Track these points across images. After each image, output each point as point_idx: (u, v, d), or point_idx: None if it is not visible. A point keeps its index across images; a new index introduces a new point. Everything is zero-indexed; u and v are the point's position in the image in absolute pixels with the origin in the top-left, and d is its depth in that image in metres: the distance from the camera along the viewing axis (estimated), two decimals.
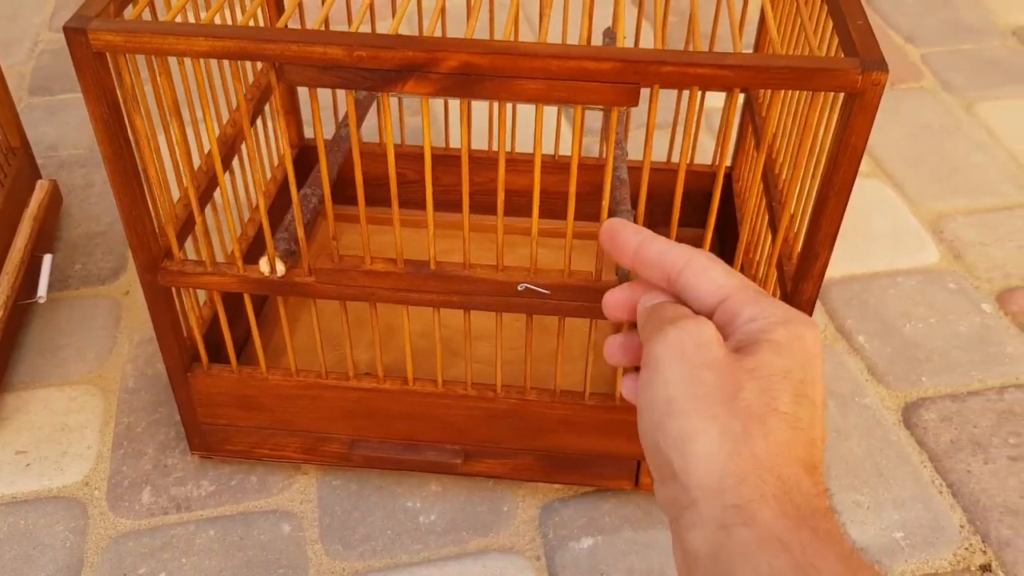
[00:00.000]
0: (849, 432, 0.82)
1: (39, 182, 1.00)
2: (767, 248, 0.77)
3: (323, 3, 0.69)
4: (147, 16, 0.60)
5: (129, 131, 0.59)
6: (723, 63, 0.52)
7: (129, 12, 0.58)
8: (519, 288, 0.65)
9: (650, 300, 0.39)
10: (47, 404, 0.84)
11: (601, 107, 0.72)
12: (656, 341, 0.35)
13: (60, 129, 1.15)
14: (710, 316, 0.36)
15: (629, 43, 1.01)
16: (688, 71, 0.53)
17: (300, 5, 0.60)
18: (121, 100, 0.58)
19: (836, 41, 0.59)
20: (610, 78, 0.53)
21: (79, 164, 1.10)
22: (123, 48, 0.54)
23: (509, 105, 0.91)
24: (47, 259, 0.92)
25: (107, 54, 0.56)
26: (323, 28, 0.56)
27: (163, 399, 0.84)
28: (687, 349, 0.34)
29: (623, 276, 0.67)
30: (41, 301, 0.89)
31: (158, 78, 0.59)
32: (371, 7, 0.62)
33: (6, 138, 0.96)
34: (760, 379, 0.33)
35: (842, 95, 0.54)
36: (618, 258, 0.39)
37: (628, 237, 0.39)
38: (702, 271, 0.37)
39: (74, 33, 0.54)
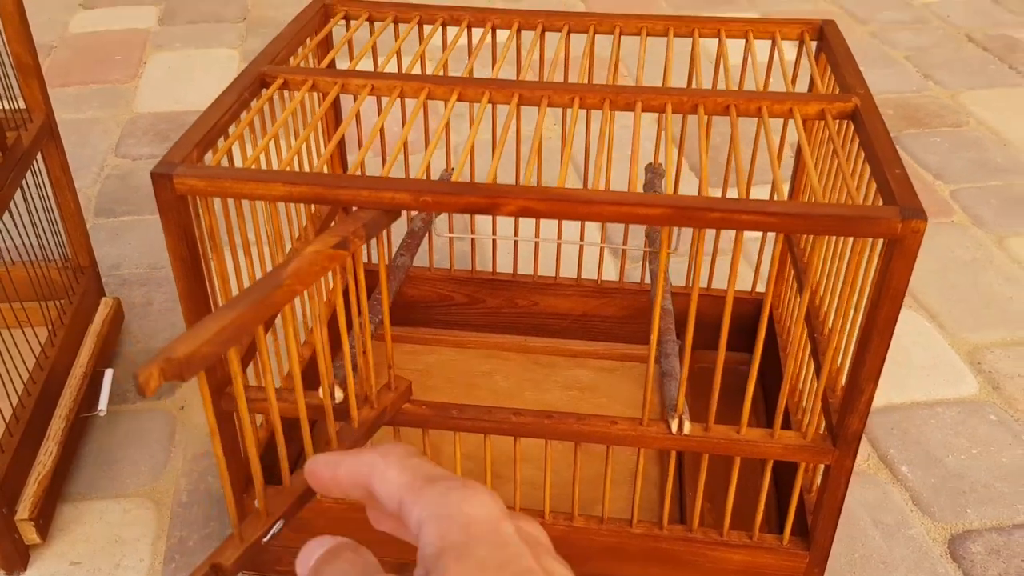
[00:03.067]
0: (896, 564, 0.81)
1: (103, 299, 1.05)
2: (809, 376, 0.79)
3: (383, 157, 0.74)
4: (224, 161, 0.65)
5: (204, 267, 0.63)
6: (768, 210, 0.56)
7: (209, 158, 0.63)
8: None
9: (316, 550, 0.33)
10: (102, 516, 0.86)
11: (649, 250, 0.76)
12: None
13: (122, 249, 1.21)
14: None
15: (667, 174, 1.06)
16: (735, 217, 0.56)
17: (362, 165, 0.65)
18: (199, 239, 0.62)
19: (873, 186, 0.63)
20: (661, 223, 0.57)
21: (140, 283, 1.15)
22: (205, 192, 0.59)
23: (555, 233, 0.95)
24: (108, 374, 0.96)
25: (189, 197, 0.60)
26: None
27: (215, 514, 0.86)
28: None
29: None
30: (101, 414, 0.92)
31: (233, 219, 0.63)
32: (429, 164, 0.66)
33: (76, 258, 1.02)
34: None
35: (882, 240, 0.57)
36: (327, 493, 0.36)
37: (322, 471, 0.35)
38: (381, 478, 0.34)
39: (160, 178, 0.59)
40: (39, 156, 0.93)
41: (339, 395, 0.67)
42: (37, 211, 0.92)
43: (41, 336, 0.91)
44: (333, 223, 0.91)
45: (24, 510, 0.80)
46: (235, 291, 0.67)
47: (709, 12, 1.94)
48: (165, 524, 0.85)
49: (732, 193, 1.14)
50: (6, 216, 0.83)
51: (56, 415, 0.89)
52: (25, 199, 0.89)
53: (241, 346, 0.71)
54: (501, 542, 0.29)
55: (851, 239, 0.63)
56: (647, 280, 1.00)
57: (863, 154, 0.66)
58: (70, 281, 0.99)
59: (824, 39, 0.80)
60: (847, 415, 0.62)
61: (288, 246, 0.84)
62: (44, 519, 0.82)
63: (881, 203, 0.59)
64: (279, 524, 0.55)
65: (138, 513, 0.86)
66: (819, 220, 0.55)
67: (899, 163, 0.61)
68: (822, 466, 0.68)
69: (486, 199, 0.57)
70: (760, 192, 1.25)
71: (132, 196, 1.30)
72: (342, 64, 0.82)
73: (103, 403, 0.92)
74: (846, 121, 0.70)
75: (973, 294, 1.14)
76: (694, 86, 0.78)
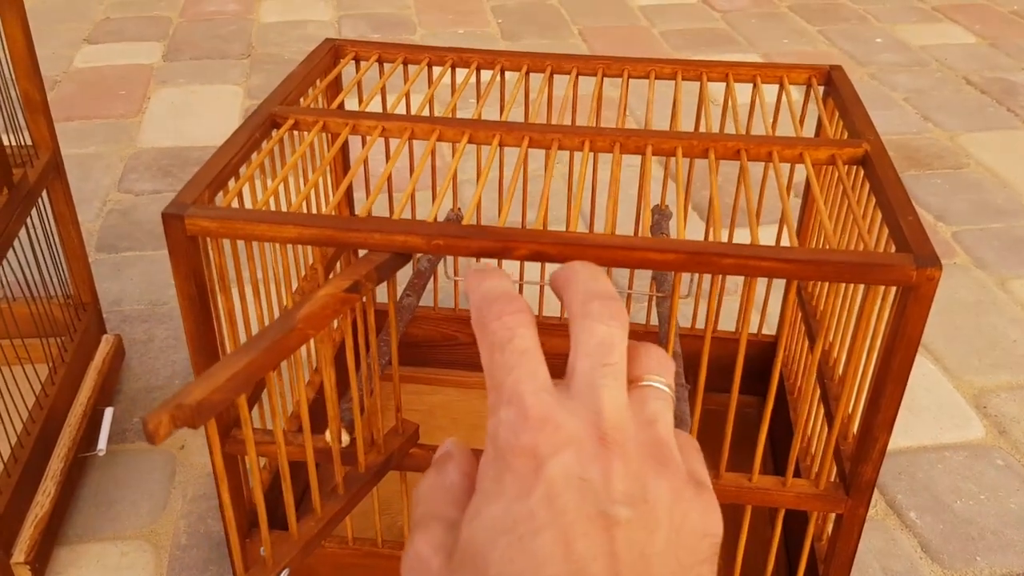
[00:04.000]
0: None
1: (104, 336, 1.04)
2: (819, 422, 0.78)
3: (389, 195, 0.73)
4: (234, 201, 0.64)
5: (212, 307, 0.63)
6: (783, 257, 0.55)
7: (220, 199, 0.63)
8: None
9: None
10: (99, 559, 0.84)
11: (660, 294, 0.76)
12: None
13: (124, 285, 1.20)
14: None
15: (675, 216, 1.05)
16: (749, 263, 0.56)
17: (369, 212, 0.64)
18: (208, 279, 0.61)
19: (885, 232, 0.62)
20: (675, 269, 0.56)
21: (141, 319, 1.14)
22: (216, 233, 0.58)
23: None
24: (108, 412, 0.94)
25: (199, 238, 0.59)
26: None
27: (214, 557, 0.84)
28: None
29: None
30: (101, 454, 0.91)
31: (243, 260, 0.63)
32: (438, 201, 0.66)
33: (79, 294, 1.01)
34: None
35: (896, 288, 0.57)
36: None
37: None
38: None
39: (171, 219, 0.58)
40: (44, 192, 0.93)
41: (346, 439, 0.66)
42: (40, 247, 0.92)
43: (41, 373, 0.90)
44: (339, 262, 0.90)
45: (20, 553, 0.79)
46: (241, 329, 0.67)
47: (710, 53, 1.95)
48: (163, 568, 0.84)
49: (737, 233, 1.14)
50: (9, 251, 0.82)
51: (55, 455, 0.88)
52: (28, 234, 0.88)
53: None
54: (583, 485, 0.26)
55: (865, 288, 0.62)
56: (652, 321, 1.00)
57: (872, 200, 0.66)
58: (72, 318, 0.98)
59: (832, 84, 0.80)
60: (860, 464, 0.62)
61: (295, 284, 0.83)
62: (40, 563, 0.81)
63: (893, 250, 0.59)
64: (285, 572, 0.54)
65: (136, 556, 0.85)
66: (834, 267, 0.55)
67: (912, 210, 0.61)
68: (833, 514, 0.68)
69: (498, 243, 0.56)
70: (764, 231, 1.25)
71: (134, 231, 1.30)
72: (351, 105, 0.82)
73: (102, 442, 0.91)
74: (856, 167, 0.70)
75: (977, 336, 1.14)
76: (702, 129, 0.78)
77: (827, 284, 0.72)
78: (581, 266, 0.32)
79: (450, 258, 1.18)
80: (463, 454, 0.30)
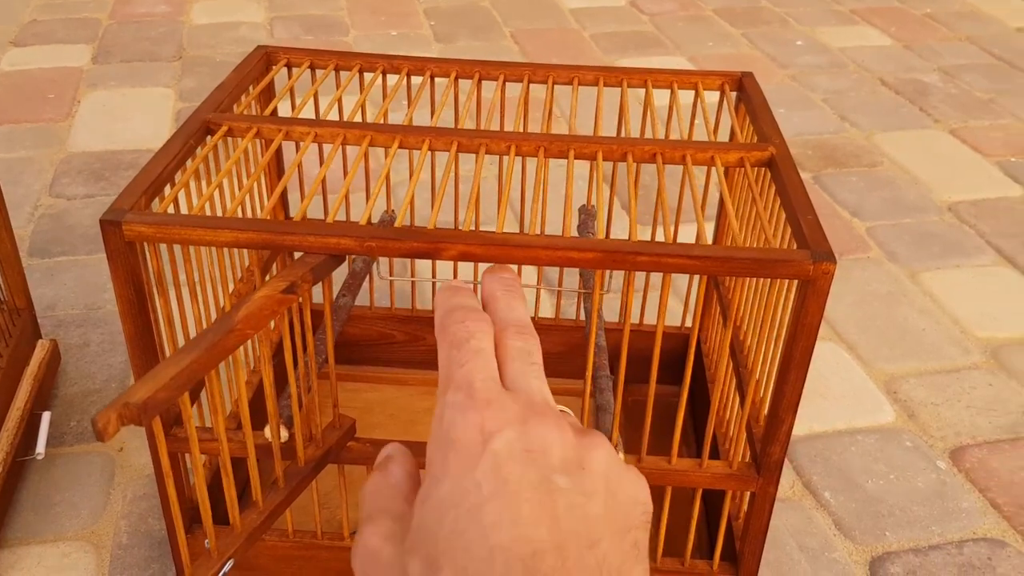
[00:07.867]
0: None
1: (40, 341, 1.04)
2: (735, 407, 0.83)
3: (324, 199, 0.75)
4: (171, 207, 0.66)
5: (150, 310, 0.65)
6: (692, 254, 0.59)
7: (156, 205, 0.65)
8: None
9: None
10: (40, 560, 0.85)
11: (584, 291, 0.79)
12: None
13: (58, 290, 1.20)
14: None
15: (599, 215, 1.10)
16: (661, 260, 0.60)
17: (304, 215, 0.67)
18: (145, 283, 0.63)
19: (789, 230, 0.67)
20: (593, 267, 0.60)
21: (76, 324, 1.15)
22: (154, 238, 0.60)
23: None
24: (46, 416, 0.95)
25: (137, 243, 0.61)
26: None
27: (156, 555, 0.86)
28: None
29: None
30: (39, 458, 0.92)
31: (180, 263, 0.65)
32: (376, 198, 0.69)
33: (12, 299, 1.01)
34: None
35: (796, 281, 0.62)
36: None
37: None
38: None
39: (109, 225, 0.60)
40: None
41: (284, 434, 0.68)
42: None
43: None
44: (275, 264, 0.92)
45: None
46: (179, 332, 0.69)
47: (637, 55, 2.01)
48: (105, 567, 0.85)
49: (660, 230, 1.19)
50: None
51: None
52: None
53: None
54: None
55: (770, 282, 0.67)
56: (582, 317, 1.04)
57: (778, 200, 0.71)
58: (6, 323, 0.98)
59: (743, 90, 0.85)
60: (769, 444, 0.66)
61: (231, 286, 0.85)
62: None
63: (795, 246, 0.63)
64: (229, 563, 0.57)
65: (77, 557, 0.86)
66: (738, 263, 0.59)
67: (811, 209, 0.65)
68: (748, 493, 0.72)
69: (428, 245, 0.59)
70: (690, 229, 1.30)
71: (67, 236, 1.30)
72: (284, 110, 0.84)
73: (41, 446, 0.92)
74: (763, 168, 0.75)
75: (889, 326, 1.21)
76: (623, 133, 0.82)
77: (738, 278, 0.77)
78: (500, 295, 0.36)
79: (384, 259, 1.21)
80: (404, 455, 0.33)
